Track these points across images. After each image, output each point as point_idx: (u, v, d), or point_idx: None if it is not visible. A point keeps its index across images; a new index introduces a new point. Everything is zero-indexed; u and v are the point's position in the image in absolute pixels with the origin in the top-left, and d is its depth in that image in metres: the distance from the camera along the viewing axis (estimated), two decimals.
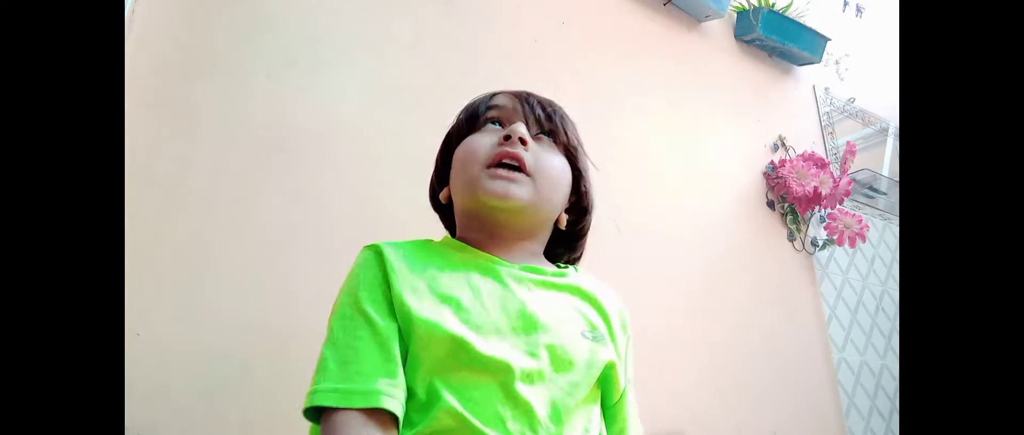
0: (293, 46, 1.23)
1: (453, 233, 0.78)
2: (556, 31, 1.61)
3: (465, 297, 0.62)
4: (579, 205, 0.77)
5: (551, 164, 0.70)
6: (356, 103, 1.27)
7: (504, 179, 0.66)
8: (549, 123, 0.72)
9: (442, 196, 0.76)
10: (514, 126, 0.68)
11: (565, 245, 0.79)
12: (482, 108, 0.74)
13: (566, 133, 0.74)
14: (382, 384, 0.55)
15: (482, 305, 0.62)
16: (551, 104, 0.75)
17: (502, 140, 0.68)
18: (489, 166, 0.67)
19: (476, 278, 0.65)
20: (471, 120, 0.74)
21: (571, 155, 0.74)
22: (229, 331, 1.03)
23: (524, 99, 0.73)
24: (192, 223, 1.06)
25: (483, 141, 0.69)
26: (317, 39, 1.26)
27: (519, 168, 0.67)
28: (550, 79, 1.53)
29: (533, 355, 0.60)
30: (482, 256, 0.68)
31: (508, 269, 0.67)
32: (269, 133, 1.16)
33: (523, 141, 0.67)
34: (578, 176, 0.75)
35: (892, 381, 2.00)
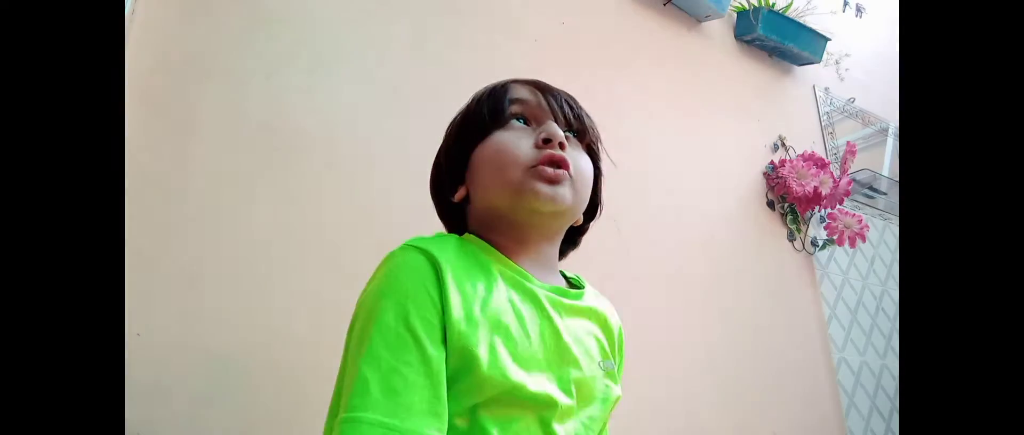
0: (293, 46, 1.23)
1: (457, 230, 0.74)
2: (556, 31, 1.61)
3: (512, 325, 0.59)
4: (593, 202, 0.75)
5: (584, 163, 0.69)
6: (356, 103, 1.27)
7: (552, 181, 0.63)
8: (578, 122, 0.70)
9: (458, 196, 0.71)
10: (551, 128, 0.65)
11: (570, 241, 0.78)
12: (505, 101, 0.68)
13: (593, 130, 0.72)
14: (432, 430, 0.50)
15: (527, 335, 0.59)
16: (573, 99, 0.72)
17: (541, 142, 0.65)
18: (532, 166, 0.64)
19: (517, 301, 0.62)
20: (495, 114, 0.68)
21: (593, 154, 0.73)
22: (229, 331, 1.03)
23: (548, 92, 0.69)
24: (192, 223, 1.06)
25: (519, 142, 0.66)
26: (317, 39, 1.26)
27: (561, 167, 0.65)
28: (550, 79, 1.53)
29: (567, 391, 0.60)
30: (514, 268, 0.65)
31: (543, 292, 0.65)
32: (269, 133, 1.16)
33: (562, 145, 0.65)
34: (598, 175, 0.74)
35: (892, 381, 2.00)
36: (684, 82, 1.83)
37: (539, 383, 0.57)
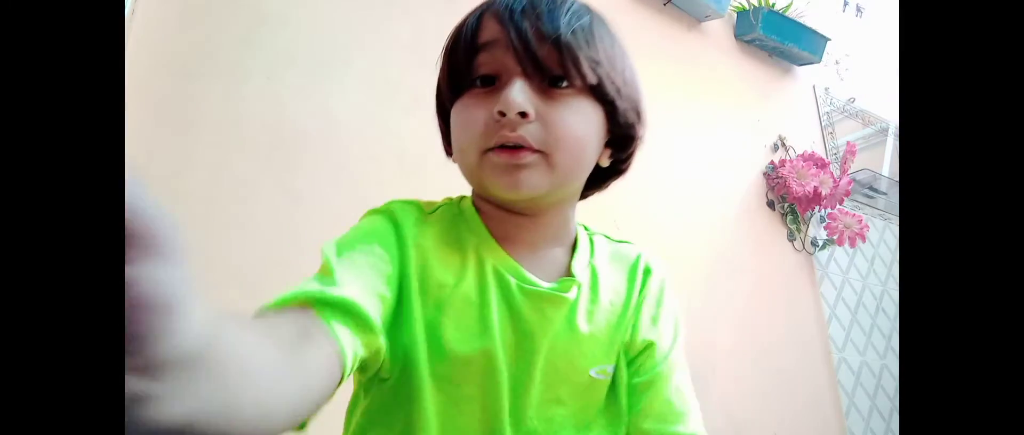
0: (293, 46, 1.23)
1: None
2: None
3: (467, 318, 0.54)
4: (620, 134, 0.60)
5: (567, 128, 0.52)
6: (356, 103, 1.27)
7: (509, 166, 0.51)
8: (560, 66, 0.52)
9: (454, 157, 0.61)
10: (508, 97, 0.50)
11: (614, 172, 0.65)
12: (466, 61, 0.54)
13: (583, 71, 0.52)
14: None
15: (481, 330, 0.54)
16: (556, 28, 0.51)
17: (497, 116, 0.51)
18: (487, 150, 0.52)
19: (494, 301, 0.55)
20: (456, 78, 0.56)
21: (599, 91, 0.54)
22: None
23: (519, 34, 0.51)
24: (192, 223, 1.06)
25: (475, 116, 0.53)
26: (317, 39, 1.26)
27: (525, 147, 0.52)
28: None
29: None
30: (500, 258, 0.56)
31: (524, 287, 0.55)
32: (269, 133, 1.16)
33: (524, 114, 0.50)
34: (612, 109, 0.56)
35: (892, 381, 2.00)
36: (684, 82, 1.83)
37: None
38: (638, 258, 0.65)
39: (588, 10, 0.56)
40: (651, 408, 0.59)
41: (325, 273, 0.48)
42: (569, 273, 0.59)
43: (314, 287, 0.46)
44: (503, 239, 0.58)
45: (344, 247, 0.51)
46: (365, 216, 0.57)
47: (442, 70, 0.58)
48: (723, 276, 1.71)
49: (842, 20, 2.28)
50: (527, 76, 0.52)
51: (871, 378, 1.95)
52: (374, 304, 0.47)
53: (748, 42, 2.01)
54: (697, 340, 1.59)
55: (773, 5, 1.97)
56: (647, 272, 0.64)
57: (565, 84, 0.53)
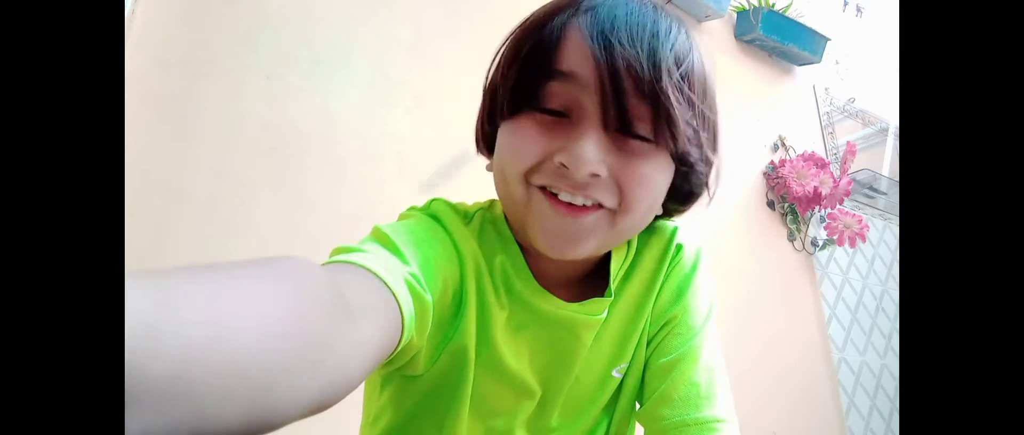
0: (293, 46, 1.23)
1: None
2: None
3: (507, 363, 0.53)
4: (687, 191, 0.52)
5: (642, 190, 0.45)
6: (356, 103, 1.27)
7: (564, 223, 0.44)
8: (650, 124, 0.43)
9: (489, 166, 0.52)
10: (579, 154, 0.42)
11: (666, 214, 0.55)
12: (536, 83, 0.44)
13: (676, 136, 0.43)
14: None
15: (518, 368, 0.54)
16: (656, 75, 0.42)
17: (559, 167, 0.43)
18: (539, 186, 0.45)
19: (525, 330, 0.53)
20: (518, 98, 0.45)
21: (683, 157, 0.46)
22: None
23: (613, 77, 0.42)
24: (192, 223, 1.06)
25: (531, 147, 0.44)
26: (317, 39, 1.26)
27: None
28: None
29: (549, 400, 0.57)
30: (533, 288, 0.52)
31: (565, 315, 0.52)
32: (269, 133, 1.16)
33: (595, 174, 0.43)
34: (689, 169, 0.48)
35: (892, 381, 2.01)
36: None
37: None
38: (672, 235, 0.59)
39: (691, 45, 0.46)
40: (674, 390, 0.53)
41: (389, 248, 0.42)
42: (605, 287, 0.55)
43: (389, 259, 0.40)
44: (538, 268, 0.53)
45: (402, 234, 0.44)
46: (411, 214, 0.52)
47: (502, 71, 0.48)
48: (723, 276, 1.71)
49: (842, 20, 2.28)
50: (605, 126, 0.43)
51: (871, 378, 1.95)
52: (432, 297, 0.42)
53: (748, 42, 2.01)
54: None
55: (773, 5, 1.97)
56: (678, 249, 0.59)
57: (640, 141, 0.44)
